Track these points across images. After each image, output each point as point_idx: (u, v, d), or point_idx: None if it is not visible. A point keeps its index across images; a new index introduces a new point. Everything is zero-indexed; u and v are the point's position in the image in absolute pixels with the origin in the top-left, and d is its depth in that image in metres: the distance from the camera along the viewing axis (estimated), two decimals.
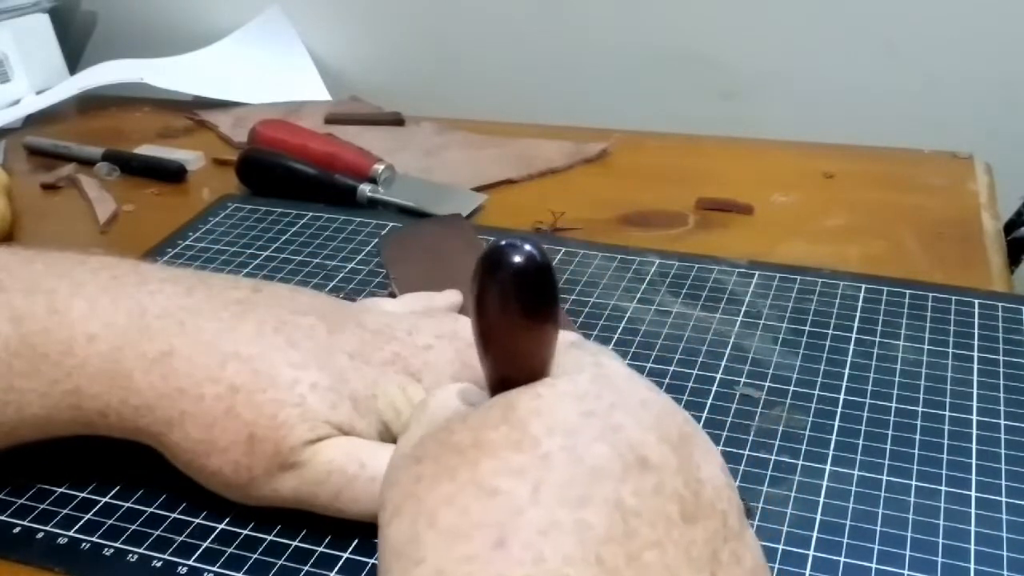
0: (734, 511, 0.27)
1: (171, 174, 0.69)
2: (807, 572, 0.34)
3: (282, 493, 0.35)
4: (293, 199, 0.63)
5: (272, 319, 0.37)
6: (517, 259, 0.26)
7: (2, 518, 0.38)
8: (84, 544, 0.36)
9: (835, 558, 0.35)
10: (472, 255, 0.55)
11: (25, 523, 0.37)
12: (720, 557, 0.26)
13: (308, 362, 0.35)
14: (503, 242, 0.26)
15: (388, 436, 0.36)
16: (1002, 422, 0.41)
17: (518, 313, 0.26)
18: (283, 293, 0.39)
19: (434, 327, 0.39)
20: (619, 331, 0.48)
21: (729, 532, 0.27)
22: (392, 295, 0.50)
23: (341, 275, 0.54)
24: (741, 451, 0.40)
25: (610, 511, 0.24)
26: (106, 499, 0.38)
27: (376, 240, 0.57)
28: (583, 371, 0.28)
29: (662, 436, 0.27)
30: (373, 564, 0.35)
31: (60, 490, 0.39)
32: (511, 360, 0.28)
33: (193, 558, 0.35)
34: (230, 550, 0.36)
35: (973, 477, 0.38)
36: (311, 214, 0.61)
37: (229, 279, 0.40)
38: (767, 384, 0.44)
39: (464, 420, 0.28)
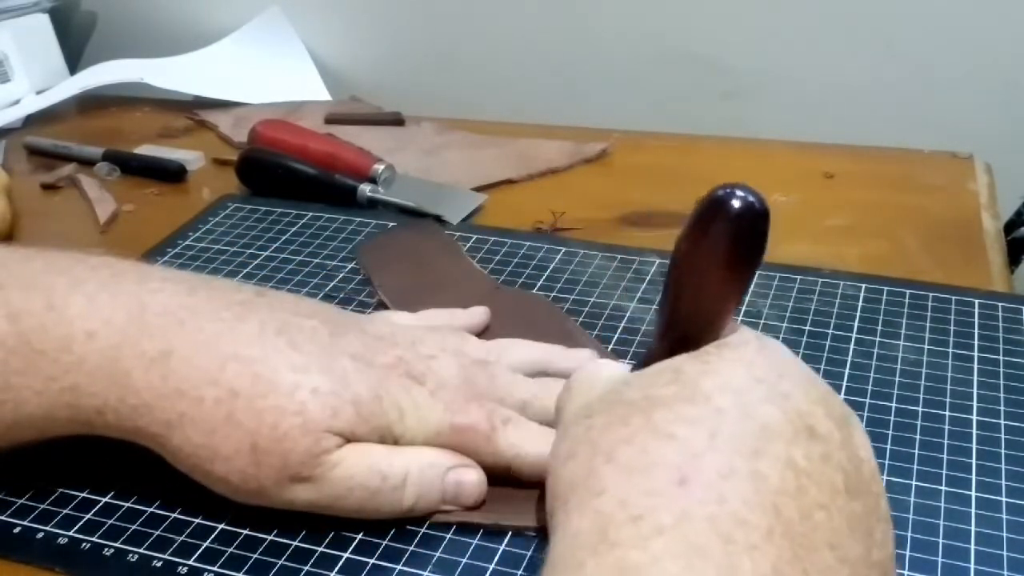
0: (884, 496, 0.28)
1: (171, 174, 0.69)
2: None
3: (298, 503, 0.35)
4: (293, 199, 0.63)
5: (274, 321, 0.36)
6: (739, 204, 0.27)
7: (2, 518, 0.38)
8: (84, 544, 0.36)
9: None
10: (453, 258, 0.55)
11: (25, 523, 0.37)
12: (874, 535, 0.27)
13: (310, 365, 0.35)
14: (724, 190, 0.27)
15: (391, 438, 0.36)
16: (1002, 422, 0.41)
17: (733, 257, 0.27)
18: (287, 297, 0.39)
19: (439, 340, 0.40)
20: (619, 331, 0.48)
21: (881, 514, 0.28)
22: (382, 304, 0.50)
23: (341, 275, 0.54)
24: None
25: (783, 467, 0.25)
26: (106, 499, 0.38)
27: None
28: (748, 343, 0.29)
29: (828, 411, 0.28)
30: (374, 564, 0.35)
31: (60, 490, 0.39)
32: (699, 312, 0.29)
33: (193, 558, 0.35)
34: (230, 550, 0.36)
35: (973, 477, 0.38)
36: (311, 214, 0.61)
37: (232, 282, 0.40)
38: None
39: (629, 383, 0.29)
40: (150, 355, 0.35)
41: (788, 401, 0.27)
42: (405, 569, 0.35)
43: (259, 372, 0.35)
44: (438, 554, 0.35)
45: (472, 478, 0.36)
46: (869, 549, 0.26)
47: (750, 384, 0.27)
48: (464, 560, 0.35)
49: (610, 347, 0.47)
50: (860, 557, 0.26)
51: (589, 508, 0.25)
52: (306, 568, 0.35)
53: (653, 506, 0.24)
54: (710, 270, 0.28)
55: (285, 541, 0.36)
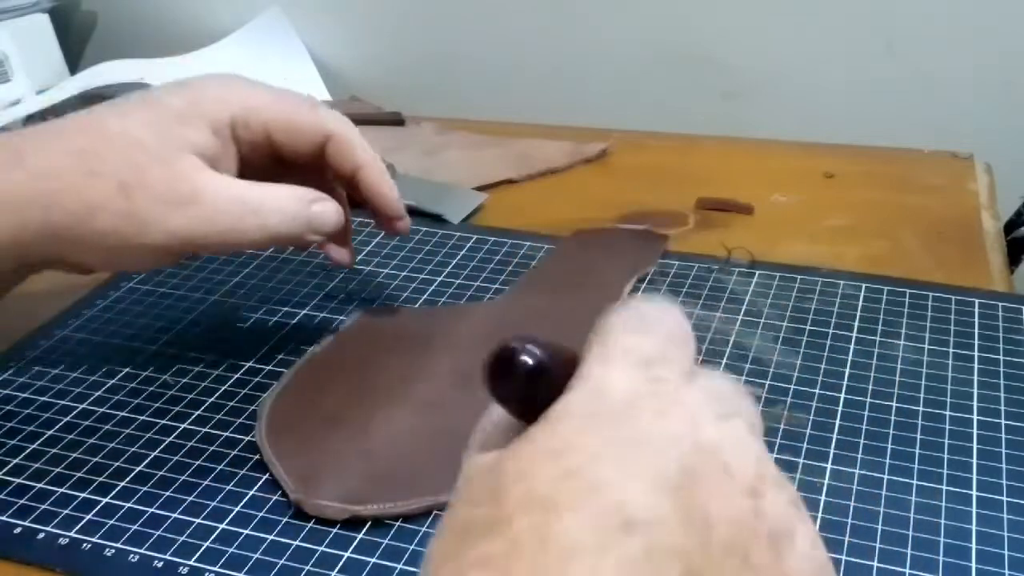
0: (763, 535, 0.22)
1: None
2: None
3: (178, 236, 0.39)
4: None
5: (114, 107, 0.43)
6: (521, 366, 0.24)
7: (3, 518, 0.37)
8: (85, 544, 0.36)
9: (837, 556, 0.35)
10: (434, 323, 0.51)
11: (26, 523, 0.37)
12: None
13: (133, 110, 0.41)
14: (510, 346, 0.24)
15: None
16: (1003, 421, 0.41)
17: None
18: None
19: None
20: None
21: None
22: (386, 312, 0.50)
23: (342, 275, 0.54)
24: None
25: None
26: (107, 499, 0.38)
27: (375, 240, 0.57)
28: (572, 416, 0.23)
29: (655, 483, 0.22)
30: (374, 564, 0.35)
31: (61, 490, 0.39)
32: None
33: (194, 558, 0.35)
34: (231, 550, 0.36)
35: (974, 476, 0.38)
36: None
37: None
38: (768, 383, 0.44)
39: (478, 473, 0.24)
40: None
41: (600, 497, 0.21)
42: (406, 568, 0.35)
43: (98, 131, 0.40)
44: None
45: (331, 207, 0.43)
46: None
47: (556, 487, 0.21)
48: None
49: None
50: None
51: None
52: (306, 568, 0.35)
53: None
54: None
55: (285, 541, 0.36)
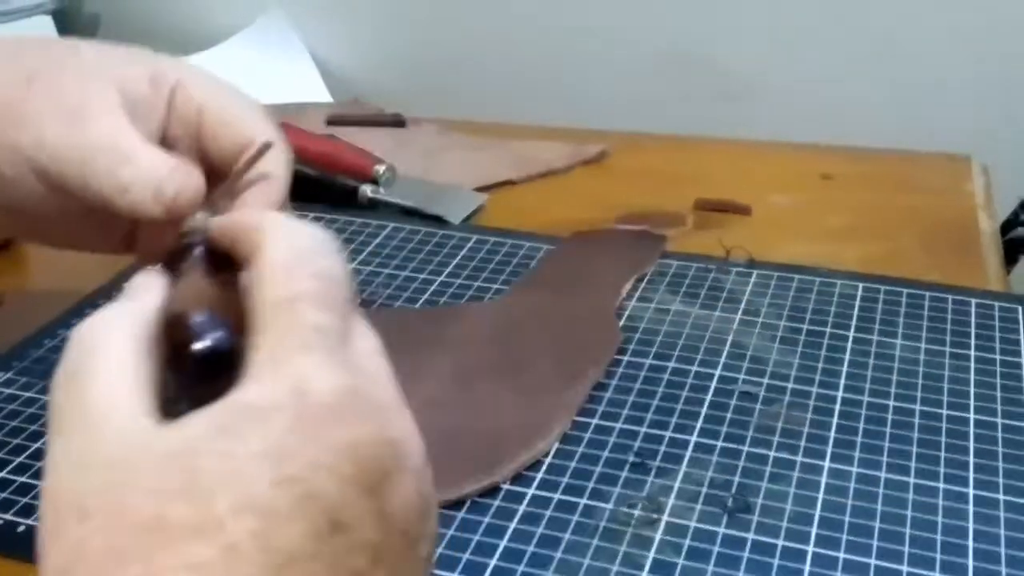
0: (426, 540, 0.24)
1: None
2: (806, 568, 0.34)
3: (52, 151, 0.34)
4: (294, 200, 0.63)
5: None
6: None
7: (6, 517, 0.38)
8: None
9: (834, 554, 0.35)
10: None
11: (30, 521, 0.37)
12: None
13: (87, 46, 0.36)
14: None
15: None
16: (999, 420, 0.42)
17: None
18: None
19: None
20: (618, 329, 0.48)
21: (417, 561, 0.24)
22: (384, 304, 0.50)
23: None
24: (741, 447, 0.40)
25: None
26: None
27: (376, 241, 0.58)
28: (280, 409, 0.22)
29: (360, 488, 0.22)
30: None
31: None
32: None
33: None
34: None
35: (971, 474, 0.39)
36: (312, 215, 0.61)
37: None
38: (766, 381, 0.44)
39: (146, 454, 0.22)
40: None
41: (316, 503, 0.21)
42: None
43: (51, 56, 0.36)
44: None
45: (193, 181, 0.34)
46: None
47: (272, 494, 0.21)
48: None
49: None
50: None
51: None
52: None
53: None
54: None
55: None
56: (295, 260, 0.25)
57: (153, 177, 0.34)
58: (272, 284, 0.24)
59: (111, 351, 0.24)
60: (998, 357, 0.46)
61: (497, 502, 0.38)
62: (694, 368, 0.45)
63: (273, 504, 0.21)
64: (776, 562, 0.35)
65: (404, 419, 0.25)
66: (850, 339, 0.47)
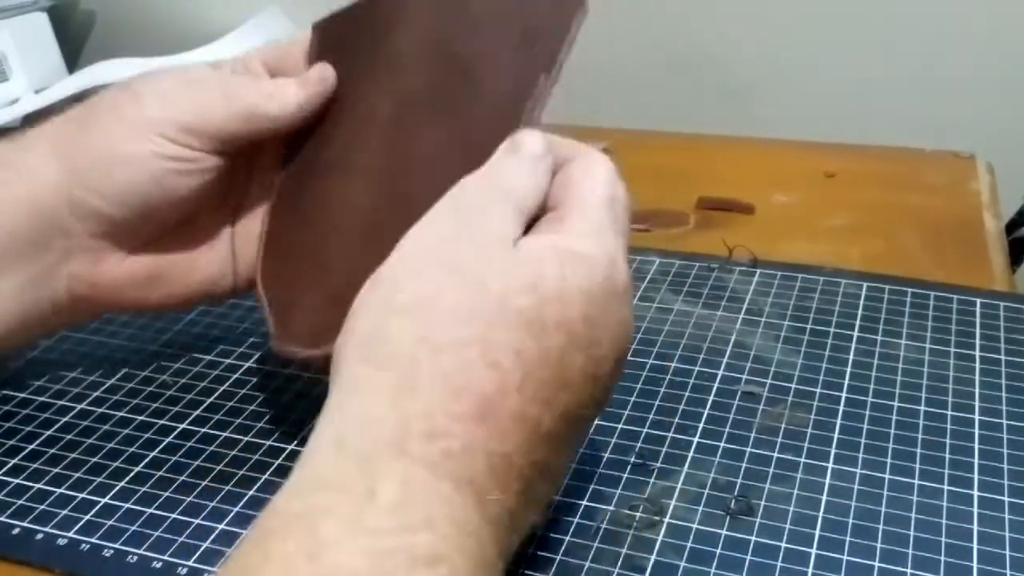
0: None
1: None
2: (810, 570, 0.34)
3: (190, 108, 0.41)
4: None
5: None
6: None
7: (2, 519, 0.37)
8: (84, 545, 0.36)
9: (838, 556, 0.35)
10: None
11: (25, 524, 0.37)
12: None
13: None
14: None
15: None
16: (1004, 421, 0.41)
17: None
18: None
19: None
20: None
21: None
22: None
23: None
24: (743, 448, 0.40)
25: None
26: (106, 500, 0.38)
27: None
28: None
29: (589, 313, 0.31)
30: None
31: (60, 491, 0.39)
32: None
33: (193, 559, 0.35)
34: (230, 551, 0.35)
35: (975, 476, 0.38)
36: None
37: None
38: (769, 382, 0.44)
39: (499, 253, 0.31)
40: None
41: (593, 330, 0.30)
42: None
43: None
44: None
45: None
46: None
47: (576, 316, 0.30)
48: None
49: None
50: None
51: (396, 402, 0.28)
52: None
53: (451, 432, 0.27)
54: None
55: None
56: (614, 173, 0.34)
57: (290, 81, 0.41)
58: (604, 183, 0.33)
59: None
60: (1003, 357, 0.45)
61: None
62: (696, 368, 0.45)
63: (573, 328, 0.30)
64: (779, 564, 0.34)
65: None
66: (854, 339, 0.47)
